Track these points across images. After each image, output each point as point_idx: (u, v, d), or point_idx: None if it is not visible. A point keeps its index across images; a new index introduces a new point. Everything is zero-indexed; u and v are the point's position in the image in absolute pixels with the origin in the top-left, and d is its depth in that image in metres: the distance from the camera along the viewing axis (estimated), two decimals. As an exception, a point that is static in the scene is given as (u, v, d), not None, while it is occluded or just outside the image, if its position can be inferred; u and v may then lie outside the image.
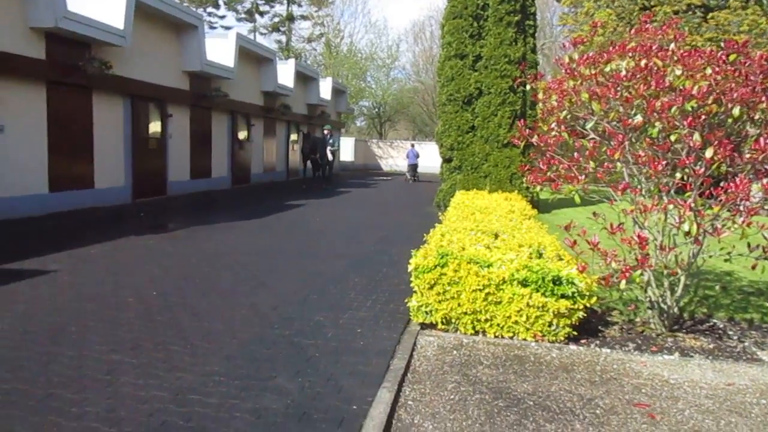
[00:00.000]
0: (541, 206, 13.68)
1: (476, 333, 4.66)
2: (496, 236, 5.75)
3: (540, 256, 5.04)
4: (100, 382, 3.56)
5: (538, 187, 4.96)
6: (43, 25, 10.24)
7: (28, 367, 3.76)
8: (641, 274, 4.52)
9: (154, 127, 14.52)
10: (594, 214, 4.64)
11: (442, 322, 4.72)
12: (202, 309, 5.19)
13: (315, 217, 12.18)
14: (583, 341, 4.60)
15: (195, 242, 8.57)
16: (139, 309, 5.11)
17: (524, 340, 4.56)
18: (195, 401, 3.36)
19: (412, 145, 28.98)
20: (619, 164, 4.52)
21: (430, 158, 31.78)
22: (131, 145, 13.46)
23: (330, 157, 21.71)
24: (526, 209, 8.75)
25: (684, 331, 4.97)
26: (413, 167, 26.62)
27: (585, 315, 4.61)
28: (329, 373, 3.84)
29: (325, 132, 22.25)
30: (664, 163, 4.03)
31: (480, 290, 4.56)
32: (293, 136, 24.66)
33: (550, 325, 4.53)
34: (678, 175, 4.35)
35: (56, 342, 4.22)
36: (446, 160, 14.33)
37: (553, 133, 4.69)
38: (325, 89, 27.59)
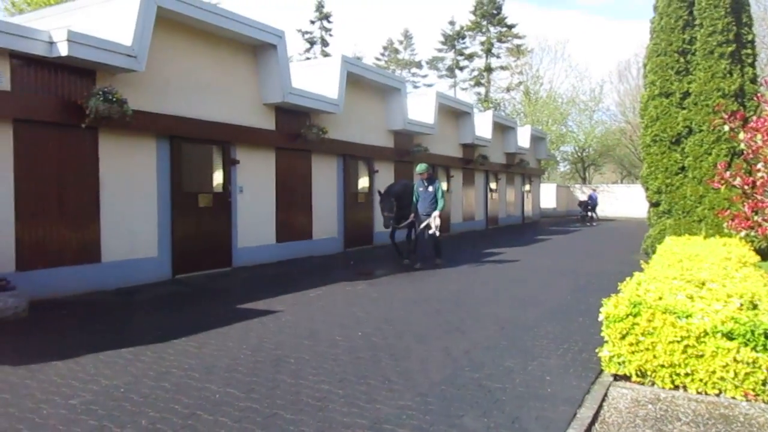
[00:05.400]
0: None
1: (675, 387, 4.40)
2: (703, 285, 5.37)
3: (754, 307, 4.62)
4: (313, 407, 4.12)
5: (745, 233, 4.58)
6: (273, 101, 12.06)
7: (257, 390, 4.48)
8: None
9: (363, 182, 15.94)
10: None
11: (637, 374, 4.55)
12: (400, 350, 5.63)
13: (512, 264, 12.22)
14: (808, 405, 4.09)
15: (396, 288, 9.21)
16: (346, 347, 5.73)
17: (732, 398, 4.19)
18: (389, 431, 3.73)
19: (593, 190, 33.24)
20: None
21: (638, 203, 30.34)
22: (343, 200, 14.93)
23: (434, 221, 11.43)
24: (746, 256, 7.90)
25: None
26: (593, 208, 30.58)
27: (809, 375, 4.10)
28: (515, 416, 3.96)
29: (421, 175, 11.84)
30: None
31: (678, 342, 4.33)
32: (492, 185, 24.98)
33: (764, 384, 4.11)
34: None
35: (279, 371, 4.95)
36: (653, 204, 13.45)
37: (760, 174, 4.35)
38: (524, 137, 27.64)
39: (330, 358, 5.32)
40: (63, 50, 7.96)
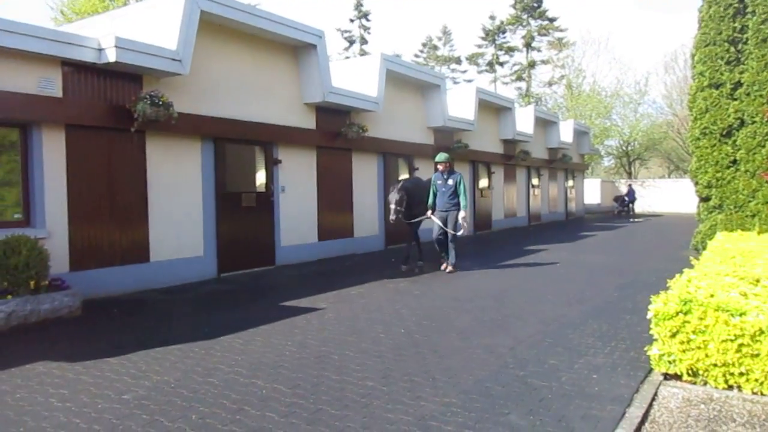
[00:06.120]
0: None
1: (729, 387, 4.26)
2: (757, 282, 5.19)
3: (813, 305, 4.44)
4: (358, 404, 4.15)
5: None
6: (314, 100, 12.17)
7: (303, 386, 4.54)
8: None
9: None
10: None
11: (688, 374, 4.42)
12: (443, 347, 5.62)
13: (556, 261, 12.04)
14: None
15: (438, 285, 9.18)
16: (389, 343, 5.75)
17: (791, 399, 4.04)
18: (434, 427, 3.73)
19: (630, 185, 32.77)
20: None
21: (686, 198, 29.65)
22: (384, 198, 14.94)
23: (462, 222, 10.25)
24: (804, 252, 7.59)
25: None
26: (631, 203, 30.74)
27: None
28: (561, 415, 3.90)
29: (441, 165, 10.46)
30: None
31: (731, 341, 4.19)
32: (534, 180, 24.62)
33: (825, 385, 3.95)
34: None
35: (323, 367, 5.00)
36: (703, 199, 13.03)
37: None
38: (566, 132, 27.16)
39: (373, 355, 5.35)
40: (111, 56, 8.22)
